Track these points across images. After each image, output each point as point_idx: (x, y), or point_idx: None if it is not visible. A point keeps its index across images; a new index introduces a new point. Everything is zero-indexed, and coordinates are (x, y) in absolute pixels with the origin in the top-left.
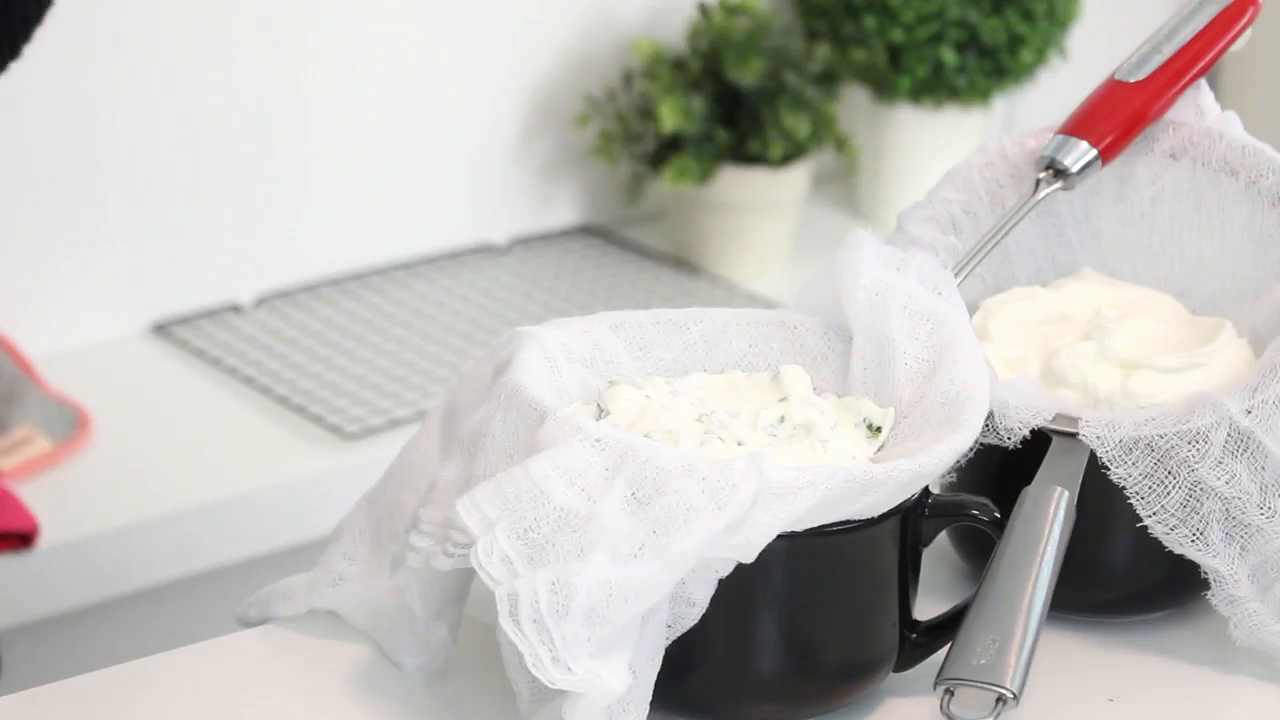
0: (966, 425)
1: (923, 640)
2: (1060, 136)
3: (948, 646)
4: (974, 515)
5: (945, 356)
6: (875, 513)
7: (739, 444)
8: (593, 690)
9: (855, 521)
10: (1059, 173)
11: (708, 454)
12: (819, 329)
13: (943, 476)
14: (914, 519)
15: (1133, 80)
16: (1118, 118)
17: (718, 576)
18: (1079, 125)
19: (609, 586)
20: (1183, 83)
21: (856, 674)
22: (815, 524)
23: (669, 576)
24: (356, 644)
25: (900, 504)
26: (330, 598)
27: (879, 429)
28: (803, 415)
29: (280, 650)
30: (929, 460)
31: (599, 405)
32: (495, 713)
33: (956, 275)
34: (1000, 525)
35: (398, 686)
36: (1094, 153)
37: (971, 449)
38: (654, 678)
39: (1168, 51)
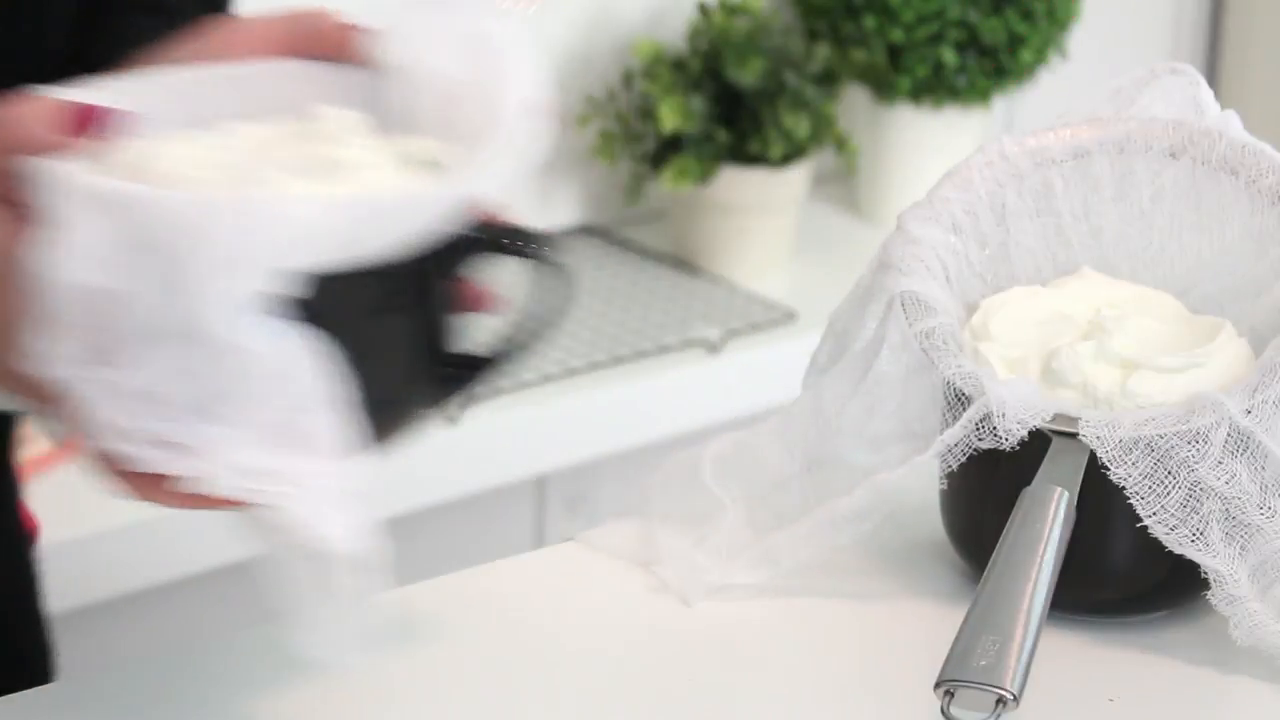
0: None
1: (453, 374)
2: None
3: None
4: (505, 245)
5: (495, 76)
6: (408, 244)
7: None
8: None
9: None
10: None
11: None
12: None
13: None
14: (447, 252)
15: None
16: None
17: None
18: None
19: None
20: None
21: (401, 415)
22: (341, 259)
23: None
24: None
25: (430, 238)
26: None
27: (437, 165)
28: (336, 152)
29: (282, 651)
30: (460, 181)
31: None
32: (505, 706)
33: None
34: (538, 249)
35: (403, 685)
36: None
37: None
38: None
39: None
